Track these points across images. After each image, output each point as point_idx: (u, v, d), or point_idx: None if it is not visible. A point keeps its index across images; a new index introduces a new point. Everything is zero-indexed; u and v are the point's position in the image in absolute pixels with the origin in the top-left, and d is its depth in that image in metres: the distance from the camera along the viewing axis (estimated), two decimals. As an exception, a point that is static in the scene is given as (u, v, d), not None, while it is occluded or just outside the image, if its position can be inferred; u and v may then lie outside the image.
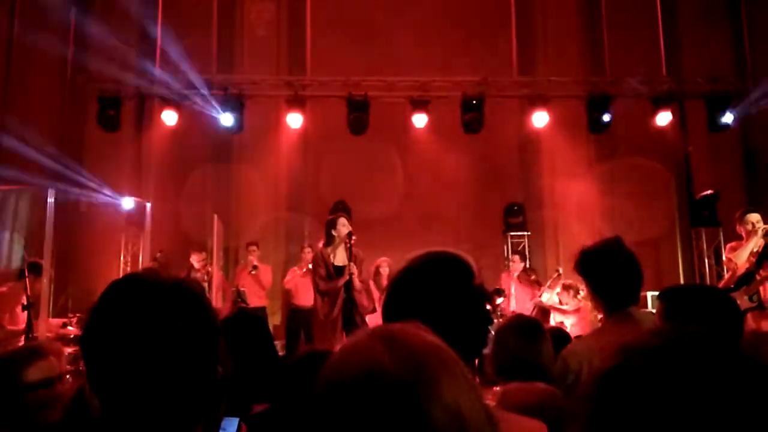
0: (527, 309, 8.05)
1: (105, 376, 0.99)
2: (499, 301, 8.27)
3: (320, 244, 6.41)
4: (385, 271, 7.49)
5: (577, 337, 4.60)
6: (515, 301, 8.46)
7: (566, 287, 7.93)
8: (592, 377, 0.84)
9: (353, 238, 6.11)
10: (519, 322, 2.66)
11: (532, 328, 2.56)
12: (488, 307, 1.57)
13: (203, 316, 1.05)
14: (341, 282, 6.05)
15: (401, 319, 0.86)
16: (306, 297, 8.54)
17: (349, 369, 0.76)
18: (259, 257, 9.01)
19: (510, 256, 9.07)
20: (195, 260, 8.51)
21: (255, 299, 8.73)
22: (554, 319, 7.86)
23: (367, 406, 0.71)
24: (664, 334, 0.84)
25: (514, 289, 8.58)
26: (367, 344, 0.78)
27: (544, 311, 8.02)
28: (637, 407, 0.77)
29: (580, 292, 7.57)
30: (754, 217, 5.73)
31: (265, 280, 8.90)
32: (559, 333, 3.32)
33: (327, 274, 6.16)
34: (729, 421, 0.74)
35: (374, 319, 6.02)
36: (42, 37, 9.83)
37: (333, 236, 6.21)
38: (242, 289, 8.71)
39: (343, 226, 6.17)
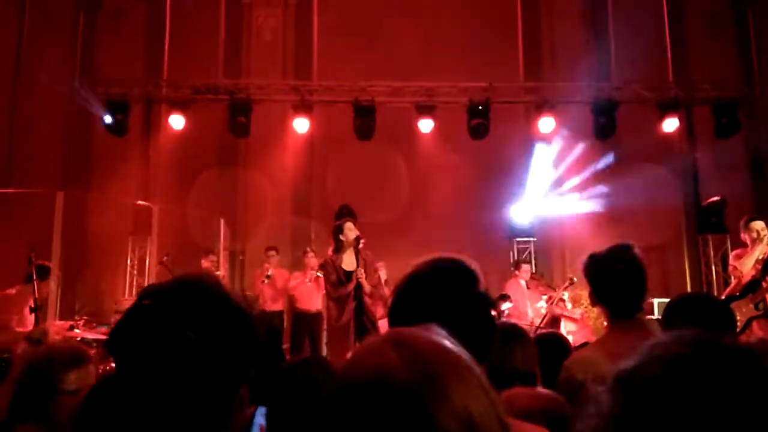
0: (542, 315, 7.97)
1: (135, 375, 1.01)
2: (505, 306, 8.19)
3: (330, 250, 6.40)
4: (381, 275, 7.45)
5: (580, 345, 4.57)
6: (530, 308, 8.29)
7: (573, 297, 7.91)
8: (612, 378, 0.82)
9: (362, 242, 6.11)
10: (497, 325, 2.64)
11: (506, 331, 2.52)
12: (493, 313, 1.57)
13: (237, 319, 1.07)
14: (350, 287, 6.04)
15: (407, 325, 0.86)
16: (309, 301, 8.57)
17: (359, 373, 0.76)
18: (278, 262, 8.99)
19: (518, 266, 8.66)
20: (205, 264, 8.53)
21: (272, 303, 8.78)
22: (564, 328, 7.80)
23: (375, 410, 0.71)
24: (685, 341, 0.82)
25: (528, 297, 8.42)
26: (378, 348, 0.77)
27: (555, 319, 7.97)
28: (656, 415, 0.75)
29: (582, 300, 7.53)
30: (759, 224, 5.68)
31: (280, 284, 8.90)
32: (555, 339, 3.23)
33: (338, 280, 6.14)
34: None
35: (386, 325, 5.96)
36: (50, 42, 9.91)
37: (341, 241, 6.18)
38: (248, 293, 8.72)
39: (351, 231, 6.16)
